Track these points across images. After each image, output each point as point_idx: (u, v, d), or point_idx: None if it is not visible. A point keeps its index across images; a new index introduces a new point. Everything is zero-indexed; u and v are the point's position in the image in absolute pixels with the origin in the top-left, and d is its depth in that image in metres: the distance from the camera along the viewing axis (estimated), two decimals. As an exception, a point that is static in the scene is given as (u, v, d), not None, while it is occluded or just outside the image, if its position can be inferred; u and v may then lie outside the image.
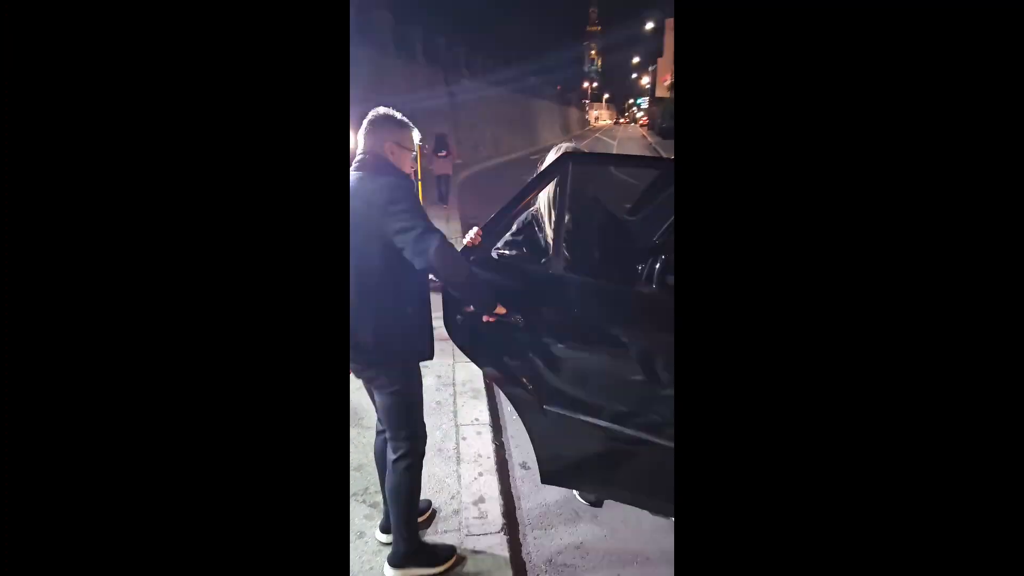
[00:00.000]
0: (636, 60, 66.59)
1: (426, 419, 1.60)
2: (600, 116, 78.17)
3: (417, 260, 1.32)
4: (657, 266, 1.71)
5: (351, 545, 1.70)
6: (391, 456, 1.53)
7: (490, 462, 2.16)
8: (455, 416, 2.49)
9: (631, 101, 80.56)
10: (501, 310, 1.49)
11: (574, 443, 1.61)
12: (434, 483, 2.00)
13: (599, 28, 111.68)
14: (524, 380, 1.59)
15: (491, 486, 2.01)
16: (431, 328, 1.50)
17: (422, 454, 1.55)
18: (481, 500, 1.93)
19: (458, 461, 2.16)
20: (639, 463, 1.55)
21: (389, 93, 13.46)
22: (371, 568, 1.62)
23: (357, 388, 2.71)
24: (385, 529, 1.70)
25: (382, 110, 1.50)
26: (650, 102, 55.65)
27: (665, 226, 1.90)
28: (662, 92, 47.92)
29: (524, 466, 2.24)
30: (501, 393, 2.82)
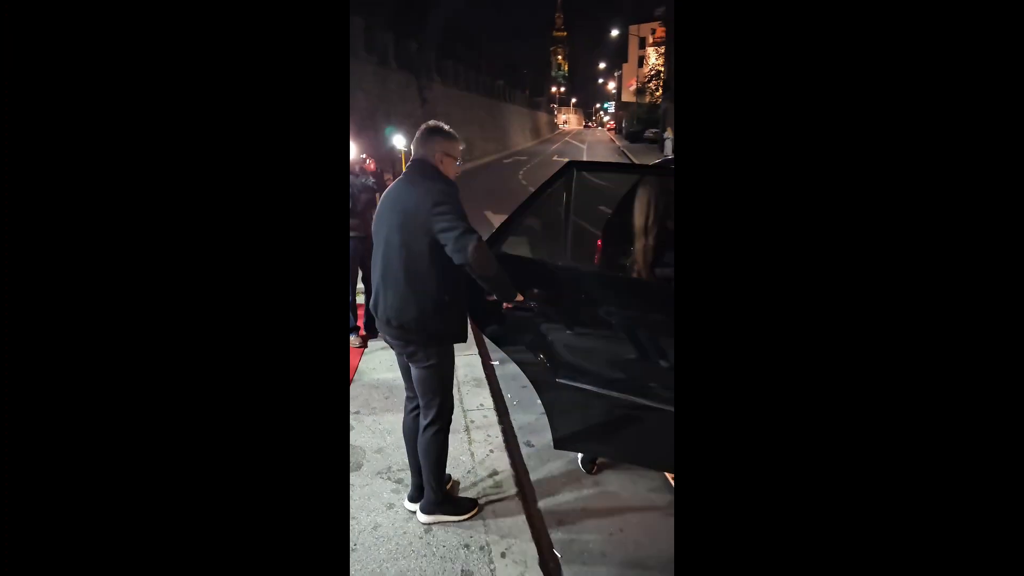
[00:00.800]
0: (602, 65, 67.99)
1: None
2: (568, 120, 79.40)
3: (456, 256, 1.53)
4: (646, 257, 1.97)
5: (383, 515, 1.89)
6: (423, 422, 1.75)
7: (499, 440, 2.37)
8: (461, 403, 2.69)
9: (598, 106, 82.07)
10: (519, 297, 1.72)
11: (582, 411, 1.85)
12: (450, 460, 2.19)
13: (565, 33, 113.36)
14: (540, 357, 1.82)
15: (502, 461, 2.23)
16: (466, 315, 1.72)
17: (449, 421, 1.78)
18: (495, 473, 2.15)
19: (470, 442, 2.36)
20: (637, 425, 1.80)
21: (362, 97, 13.50)
22: (404, 532, 1.81)
23: (388, 369, 2.88)
24: (413, 499, 1.90)
25: (433, 123, 1.71)
26: (616, 107, 56.88)
27: (648, 222, 2.16)
28: (627, 97, 49.07)
29: (528, 444, 2.47)
30: (501, 381, 3.05)
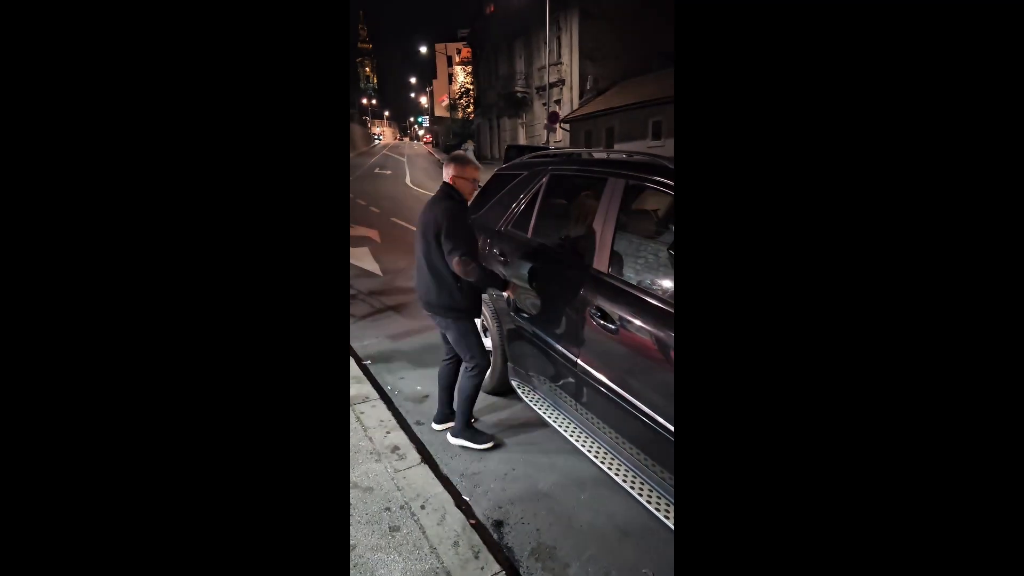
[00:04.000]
0: (413, 80, 68.78)
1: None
2: (383, 133, 78.37)
3: (449, 263, 2.12)
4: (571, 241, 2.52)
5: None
6: (464, 369, 2.35)
7: (392, 423, 2.55)
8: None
9: (412, 119, 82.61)
10: (507, 292, 2.27)
11: (523, 344, 2.50)
12: (351, 446, 2.31)
13: (370, 45, 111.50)
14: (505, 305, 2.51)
15: (400, 438, 2.42)
16: (473, 297, 2.29)
17: (484, 368, 2.35)
18: (396, 448, 2.34)
19: (364, 428, 2.49)
20: (550, 362, 2.29)
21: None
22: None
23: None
24: (439, 421, 2.57)
25: (453, 152, 2.34)
26: (430, 121, 58.19)
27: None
28: (441, 112, 50.62)
29: (418, 423, 2.69)
30: (377, 376, 3.18)
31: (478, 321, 2.59)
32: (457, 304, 2.22)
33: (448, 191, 2.21)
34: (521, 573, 1.74)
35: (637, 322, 1.80)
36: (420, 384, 3.11)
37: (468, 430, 2.44)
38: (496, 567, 1.68)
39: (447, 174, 2.22)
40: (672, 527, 1.74)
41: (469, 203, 2.30)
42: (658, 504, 1.83)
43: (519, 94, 23.68)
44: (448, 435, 2.47)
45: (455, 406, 2.43)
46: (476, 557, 1.72)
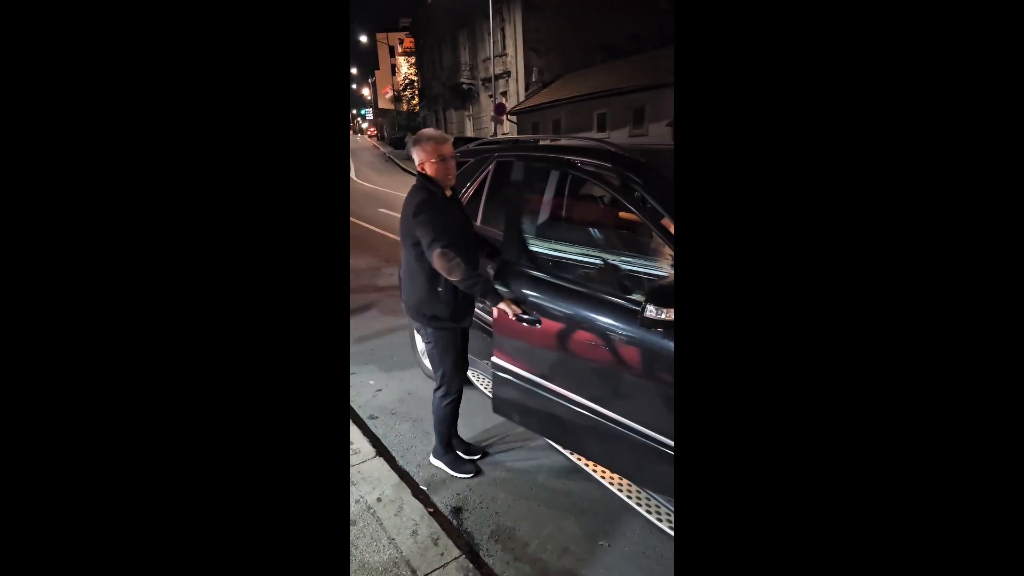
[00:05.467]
0: (354, 71, 66.58)
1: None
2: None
3: (430, 260, 1.83)
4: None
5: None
6: (434, 389, 2.09)
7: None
8: (294, 397, 2.68)
9: (354, 111, 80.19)
10: (515, 309, 1.90)
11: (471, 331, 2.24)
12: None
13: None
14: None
15: (354, 433, 2.37)
16: (463, 303, 1.96)
17: (454, 390, 2.07)
18: (351, 443, 2.29)
19: (315, 426, 2.42)
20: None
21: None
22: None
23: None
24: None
25: (419, 132, 1.91)
26: (374, 113, 56.61)
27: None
28: (384, 104, 49.30)
29: (372, 417, 2.64)
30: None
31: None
32: (435, 311, 1.93)
33: (422, 182, 1.90)
34: (481, 556, 1.76)
35: (581, 308, 1.84)
36: (373, 379, 3.06)
37: (448, 454, 2.20)
38: (456, 552, 1.69)
39: (416, 161, 1.91)
40: (624, 498, 1.81)
41: (450, 185, 1.91)
42: (612, 479, 1.90)
43: (465, 86, 23.48)
44: (430, 456, 2.24)
45: (434, 428, 2.19)
46: (435, 544, 1.72)
